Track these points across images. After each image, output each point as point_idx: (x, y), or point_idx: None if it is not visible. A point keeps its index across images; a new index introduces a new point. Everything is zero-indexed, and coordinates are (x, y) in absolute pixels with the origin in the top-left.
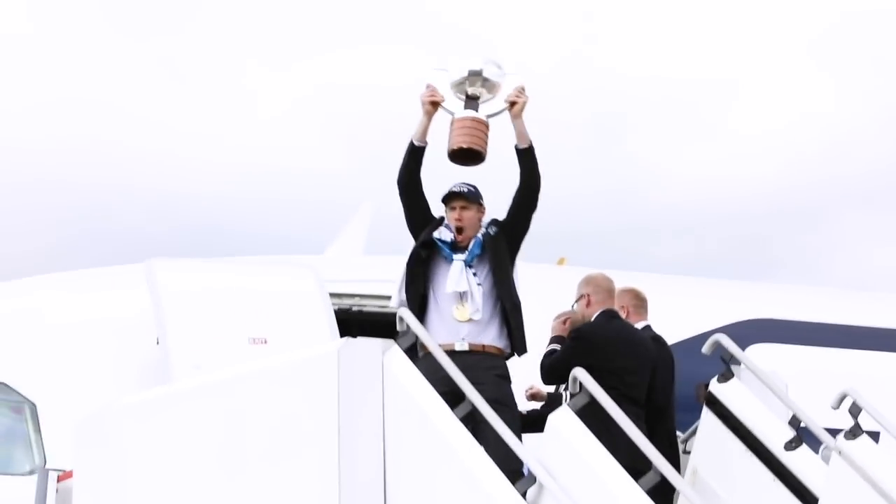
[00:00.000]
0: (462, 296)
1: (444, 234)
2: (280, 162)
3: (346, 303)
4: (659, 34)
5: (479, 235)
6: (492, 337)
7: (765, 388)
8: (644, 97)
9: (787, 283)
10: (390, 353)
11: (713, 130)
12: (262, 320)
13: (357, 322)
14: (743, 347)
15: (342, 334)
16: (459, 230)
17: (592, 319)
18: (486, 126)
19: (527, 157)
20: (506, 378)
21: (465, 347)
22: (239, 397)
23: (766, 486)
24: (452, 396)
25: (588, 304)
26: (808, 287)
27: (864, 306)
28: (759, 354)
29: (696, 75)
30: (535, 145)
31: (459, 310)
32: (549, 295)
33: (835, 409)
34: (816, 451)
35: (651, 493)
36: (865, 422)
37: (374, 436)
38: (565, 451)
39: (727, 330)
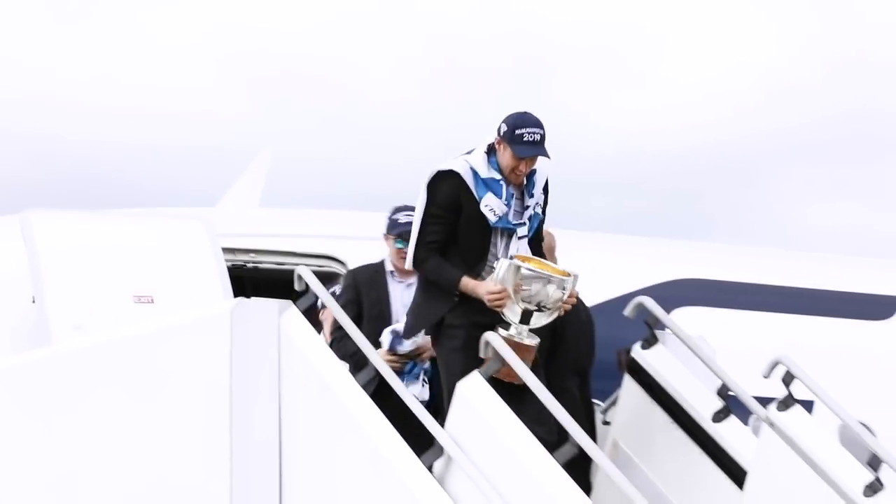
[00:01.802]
0: None
1: (493, 205)
2: (171, 105)
3: (240, 259)
4: None
5: (538, 211)
6: None
7: (691, 354)
8: (569, 43)
9: (720, 241)
10: (288, 314)
11: (643, 78)
12: (148, 277)
13: (252, 280)
14: (668, 310)
15: (236, 293)
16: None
17: None
18: (533, 351)
19: None
20: None
21: None
22: (123, 361)
23: (692, 460)
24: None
25: None
26: (740, 246)
27: (799, 267)
28: (685, 318)
29: (624, 19)
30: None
31: None
32: None
33: (766, 377)
34: (746, 423)
35: (567, 466)
36: (799, 391)
37: (269, 403)
38: (475, 421)
39: (652, 291)
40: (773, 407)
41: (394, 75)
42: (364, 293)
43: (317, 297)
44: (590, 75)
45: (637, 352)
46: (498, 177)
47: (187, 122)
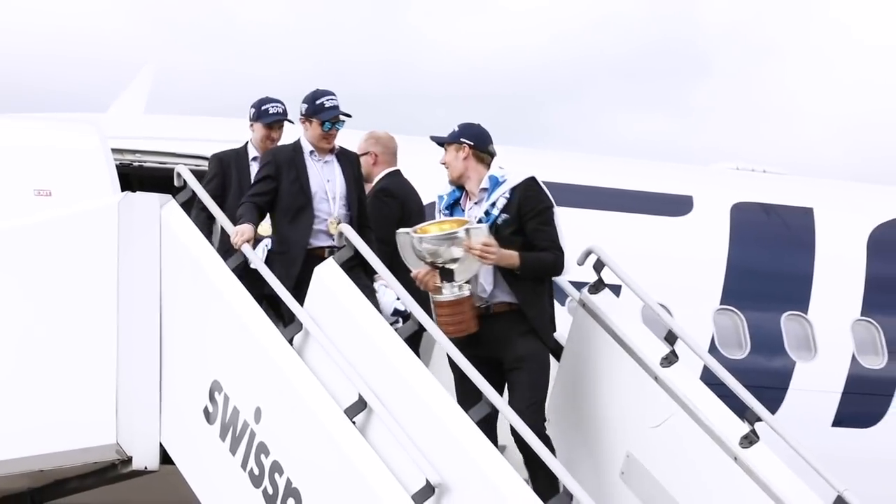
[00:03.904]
0: None
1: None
2: (66, 22)
3: (127, 158)
4: None
5: (495, 212)
6: None
7: None
8: None
9: (547, 147)
10: (167, 207)
11: (485, 5)
12: (46, 173)
13: (138, 177)
14: None
15: (123, 189)
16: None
17: (380, 177)
18: (470, 300)
19: (526, 274)
20: None
21: None
22: (23, 247)
23: None
24: None
25: (375, 163)
26: (561, 151)
27: (610, 169)
28: None
29: None
30: (526, 262)
31: None
32: None
33: (580, 264)
34: (563, 304)
35: (409, 340)
36: (608, 277)
37: (151, 284)
38: (330, 301)
39: None
40: (585, 290)
41: None
42: (284, 171)
43: (193, 193)
44: (439, 3)
45: None
46: (442, 192)
47: (81, 37)
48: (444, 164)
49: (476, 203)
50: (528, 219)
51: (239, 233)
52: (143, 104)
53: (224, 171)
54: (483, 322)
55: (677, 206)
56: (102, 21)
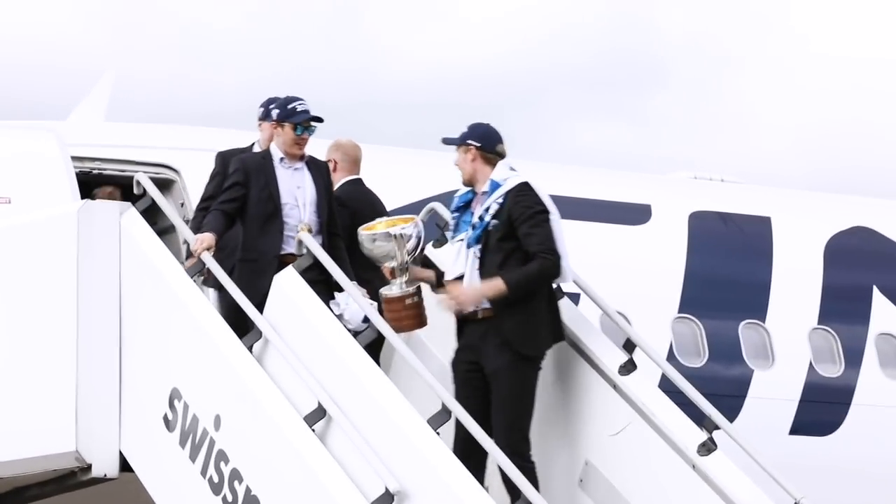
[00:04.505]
0: None
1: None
2: (23, 31)
3: (87, 166)
4: None
5: (487, 218)
6: None
7: None
8: None
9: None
10: (127, 214)
11: (444, 15)
12: (5, 181)
13: (97, 184)
14: None
15: (83, 196)
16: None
17: (339, 185)
18: (403, 300)
19: (519, 294)
20: None
21: None
22: None
23: None
24: None
25: (334, 170)
26: (519, 160)
27: (569, 178)
28: None
29: None
30: (511, 285)
31: None
32: None
33: None
34: None
35: (368, 348)
36: (567, 285)
37: (111, 291)
38: (289, 309)
39: (441, 198)
40: None
41: (224, 4)
42: (253, 178)
43: (153, 201)
44: (397, 12)
45: (429, 250)
46: (458, 193)
47: (40, 45)
48: (456, 165)
49: (481, 206)
50: (519, 224)
51: (199, 241)
52: (103, 112)
53: (226, 170)
54: (469, 326)
55: (636, 214)
56: (62, 29)
